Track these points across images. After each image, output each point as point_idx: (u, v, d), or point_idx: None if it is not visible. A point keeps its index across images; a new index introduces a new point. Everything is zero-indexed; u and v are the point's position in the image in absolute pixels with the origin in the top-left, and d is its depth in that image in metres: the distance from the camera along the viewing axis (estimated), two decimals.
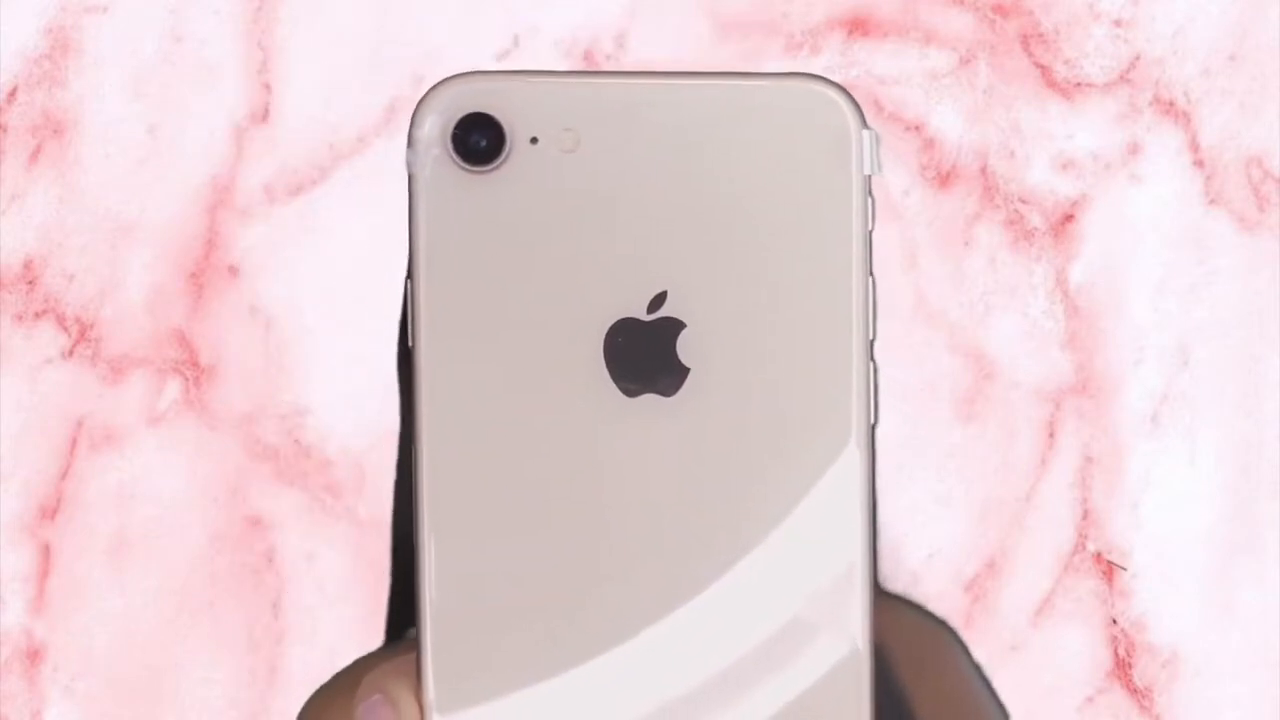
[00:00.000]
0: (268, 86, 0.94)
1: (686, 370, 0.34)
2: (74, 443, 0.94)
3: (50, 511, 0.95)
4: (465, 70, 0.34)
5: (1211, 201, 0.97)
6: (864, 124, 0.34)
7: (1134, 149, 0.96)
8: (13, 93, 0.94)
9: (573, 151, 0.34)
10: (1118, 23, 0.96)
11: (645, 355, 0.34)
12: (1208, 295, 0.97)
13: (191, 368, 0.95)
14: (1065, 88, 0.96)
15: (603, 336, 0.34)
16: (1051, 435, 0.97)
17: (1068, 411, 0.97)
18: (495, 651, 0.34)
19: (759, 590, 0.34)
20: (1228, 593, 0.97)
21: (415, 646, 0.35)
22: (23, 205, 0.94)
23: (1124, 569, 0.97)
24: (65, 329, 0.94)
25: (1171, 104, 0.96)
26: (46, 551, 0.95)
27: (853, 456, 0.34)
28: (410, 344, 0.35)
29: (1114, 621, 0.97)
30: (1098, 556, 0.97)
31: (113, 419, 0.94)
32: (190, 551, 0.95)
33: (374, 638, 0.92)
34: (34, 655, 0.95)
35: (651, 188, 0.34)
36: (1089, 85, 0.96)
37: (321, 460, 0.95)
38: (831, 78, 0.34)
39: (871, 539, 0.34)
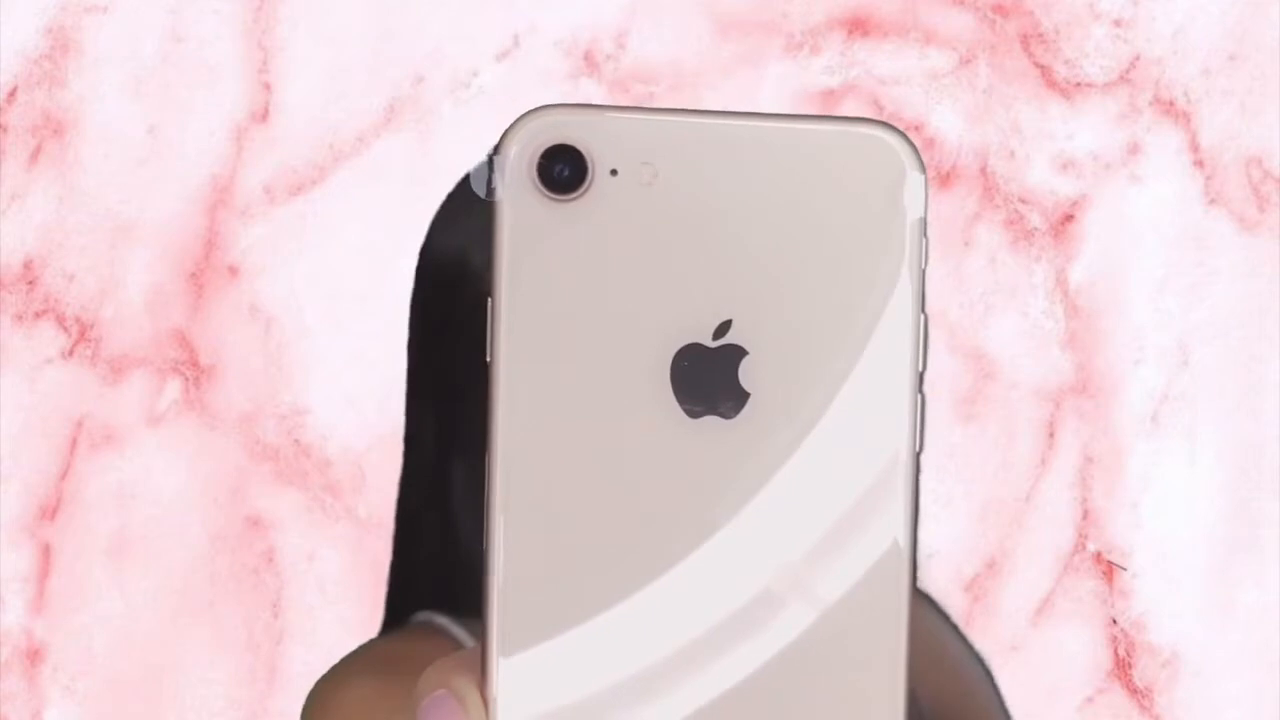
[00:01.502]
0: (268, 86, 0.94)
1: (747, 395, 0.35)
2: (74, 443, 0.94)
3: (50, 511, 0.95)
4: (551, 103, 0.35)
5: (1211, 201, 0.97)
6: (922, 168, 0.35)
7: (1134, 149, 0.96)
8: (13, 93, 0.94)
9: (650, 185, 0.35)
10: (1118, 23, 0.96)
11: (709, 379, 0.35)
12: (1208, 295, 0.97)
13: (191, 368, 0.95)
14: (1065, 88, 0.96)
15: (670, 360, 0.36)
16: (1051, 435, 0.97)
17: (1068, 411, 0.97)
18: (558, 654, 0.36)
19: (808, 607, 0.35)
20: (1228, 593, 0.97)
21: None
22: (23, 205, 0.94)
23: (1124, 569, 0.97)
24: (65, 329, 0.94)
25: (1171, 104, 0.96)
26: (46, 551, 0.95)
27: (899, 485, 0.36)
28: (489, 360, 0.36)
29: (1114, 621, 0.97)
30: (1098, 556, 0.97)
31: (113, 419, 0.94)
32: (190, 551, 0.95)
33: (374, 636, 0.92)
34: (34, 655, 0.95)
35: (721, 221, 0.36)
36: (1089, 85, 0.96)
37: (321, 460, 0.95)
38: (889, 124, 0.36)
39: (914, 556, 0.35)
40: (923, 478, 0.94)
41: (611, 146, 0.35)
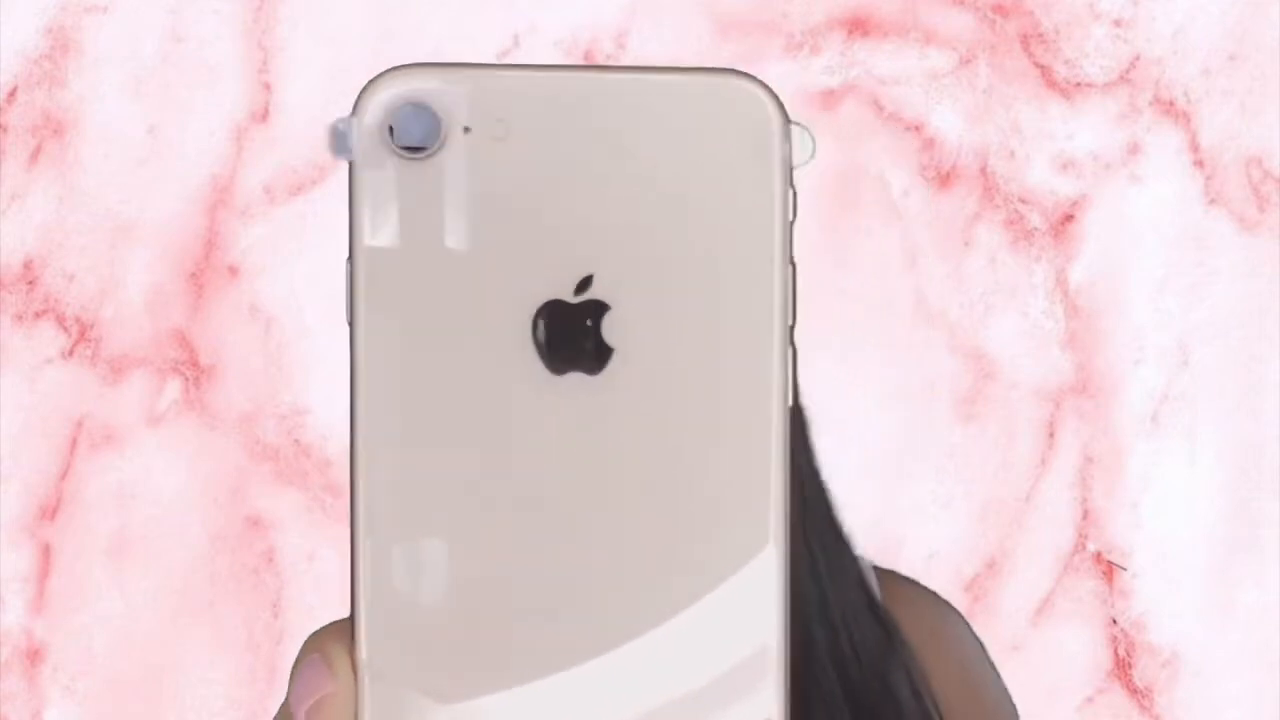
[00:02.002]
0: (268, 86, 0.94)
1: (610, 350, 0.35)
2: (74, 443, 0.94)
3: (50, 511, 0.95)
4: (404, 63, 0.35)
5: (1211, 201, 0.97)
6: (786, 118, 0.35)
7: (1134, 149, 0.96)
8: (13, 93, 0.94)
9: (503, 140, 0.35)
10: (1118, 23, 0.96)
11: (571, 335, 0.35)
12: (1208, 295, 0.97)
13: (191, 368, 0.95)
14: (1065, 88, 0.96)
15: (531, 316, 0.35)
16: (1051, 435, 0.97)
17: (1068, 411, 0.97)
18: (425, 613, 0.36)
19: (679, 559, 0.35)
20: (1228, 593, 0.97)
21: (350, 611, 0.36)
22: (23, 205, 0.94)
23: (1124, 569, 0.97)
24: (65, 329, 0.94)
25: (1171, 104, 0.96)
26: (46, 551, 0.95)
27: (771, 437, 0.35)
28: (349, 323, 0.36)
29: (1114, 621, 0.97)
30: (1098, 556, 0.97)
31: (113, 419, 0.94)
32: (190, 551, 0.95)
33: None
34: (34, 655, 0.95)
35: (580, 176, 0.35)
36: (1089, 85, 0.96)
37: (321, 460, 0.95)
38: (750, 72, 0.35)
39: (787, 514, 0.35)
40: (923, 478, 0.94)
41: (463, 103, 0.35)
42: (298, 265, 0.94)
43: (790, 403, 0.35)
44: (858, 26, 0.95)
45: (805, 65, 0.95)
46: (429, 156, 0.35)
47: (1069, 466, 0.97)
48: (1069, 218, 0.97)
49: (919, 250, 0.96)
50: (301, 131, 0.94)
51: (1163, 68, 0.96)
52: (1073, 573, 0.97)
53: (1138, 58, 0.96)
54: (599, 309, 0.35)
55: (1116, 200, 0.96)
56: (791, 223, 0.35)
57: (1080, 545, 0.97)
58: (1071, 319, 0.97)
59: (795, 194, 0.35)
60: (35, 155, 0.94)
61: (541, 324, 0.35)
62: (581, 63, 0.94)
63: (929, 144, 0.96)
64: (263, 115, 0.94)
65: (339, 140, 0.36)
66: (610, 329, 0.35)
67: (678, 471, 0.35)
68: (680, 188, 0.35)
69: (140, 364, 0.95)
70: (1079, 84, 0.96)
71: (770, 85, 0.35)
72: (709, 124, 0.35)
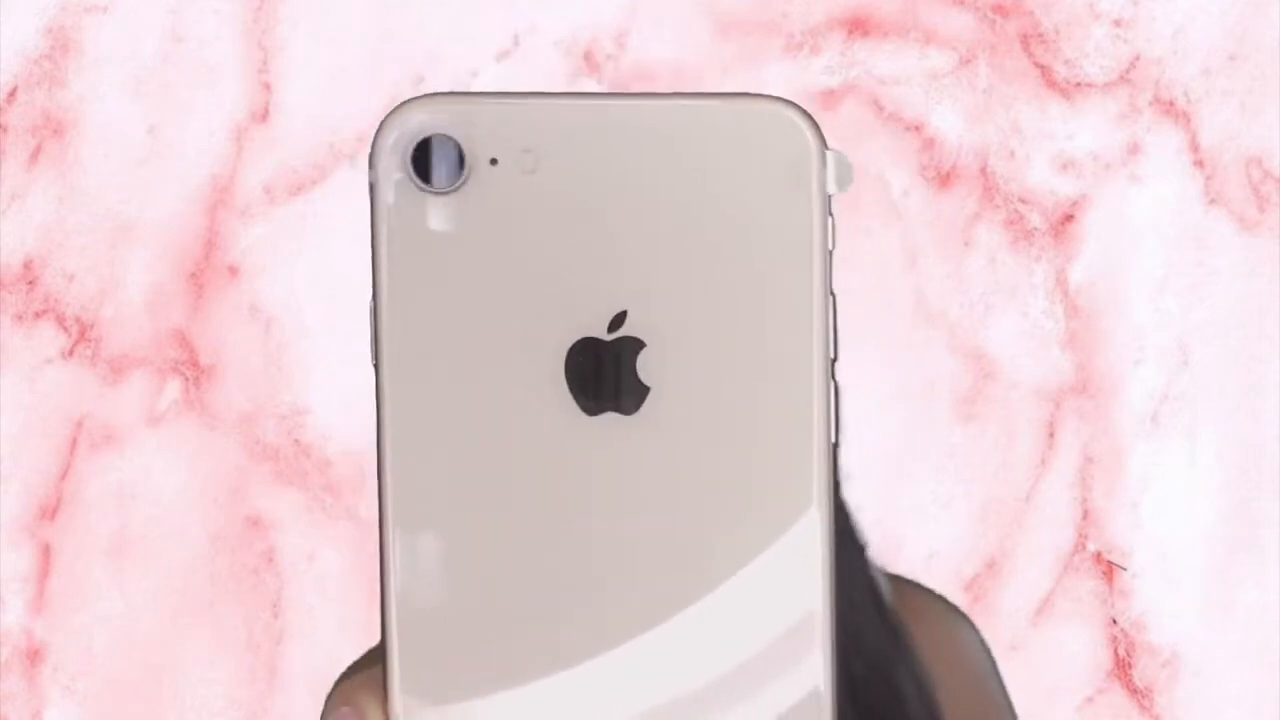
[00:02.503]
0: (268, 86, 0.94)
1: (646, 389, 0.34)
2: (74, 443, 0.94)
3: (50, 511, 0.95)
4: (427, 92, 0.34)
5: (1211, 201, 0.97)
6: (824, 144, 0.34)
7: (1134, 149, 0.96)
8: (13, 93, 0.94)
9: (533, 173, 0.34)
10: (1118, 23, 0.96)
11: (606, 374, 0.34)
12: (1208, 295, 0.97)
13: (191, 368, 0.95)
14: (1065, 88, 0.96)
15: (564, 355, 0.34)
16: (1051, 435, 0.97)
17: (1068, 411, 0.97)
18: (458, 664, 0.35)
19: (721, 604, 0.34)
20: (1228, 593, 0.97)
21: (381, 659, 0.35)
22: (23, 205, 0.94)
23: (1124, 569, 0.97)
24: (65, 329, 0.94)
25: (1171, 104, 0.96)
26: (46, 551, 0.95)
27: (813, 476, 0.34)
28: (374, 363, 0.35)
29: (1114, 621, 0.97)
30: (1098, 556, 0.97)
31: (113, 419, 0.94)
32: (190, 551, 0.95)
33: (374, 638, 0.92)
34: (34, 655, 0.95)
35: (612, 208, 0.34)
36: (1089, 85, 0.96)
37: (321, 460, 0.95)
38: (787, 97, 0.34)
39: (830, 549, 0.34)
40: (923, 478, 0.94)
41: (489, 135, 0.34)
42: (298, 265, 0.94)
43: (834, 440, 0.34)
44: (858, 26, 0.95)
45: (805, 65, 0.95)
46: (454, 191, 0.34)
47: (1069, 466, 0.97)
48: (1069, 218, 0.97)
49: (919, 250, 0.96)
50: (301, 131, 0.94)
51: (1163, 68, 0.96)
52: (1073, 573, 0.97)
53: (1138, 58, 0.96)
54: (634, 346, 0.34)
55: (1116, 200, 0.96)
56: (831, 252, 0.34)
57: (1080, 545, 0.97)
58: (1071, 319, 0.97)
59: (834, 222, 0.34)
60: (35, 155, 0.94)
61: (575, 363, 0.34)
62: (583, 65, 0.94)
63: (929, 144, 0.96)
64: (263, 115, 0.94)
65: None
66: (645, 367, 0.34)
67: (717, 516, 0.34)
68: (715, 218, 0.34)
69: (140, 364, 0.95)
70: (1079, 84, 0.96)
71: (807, 110, 0.35)
72: (744, 152, 0.34)
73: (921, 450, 0.97)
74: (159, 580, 0.95)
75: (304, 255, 0.94)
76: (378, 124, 0.34)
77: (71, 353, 0.94)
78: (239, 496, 0.95)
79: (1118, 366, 0.97)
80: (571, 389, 0.34)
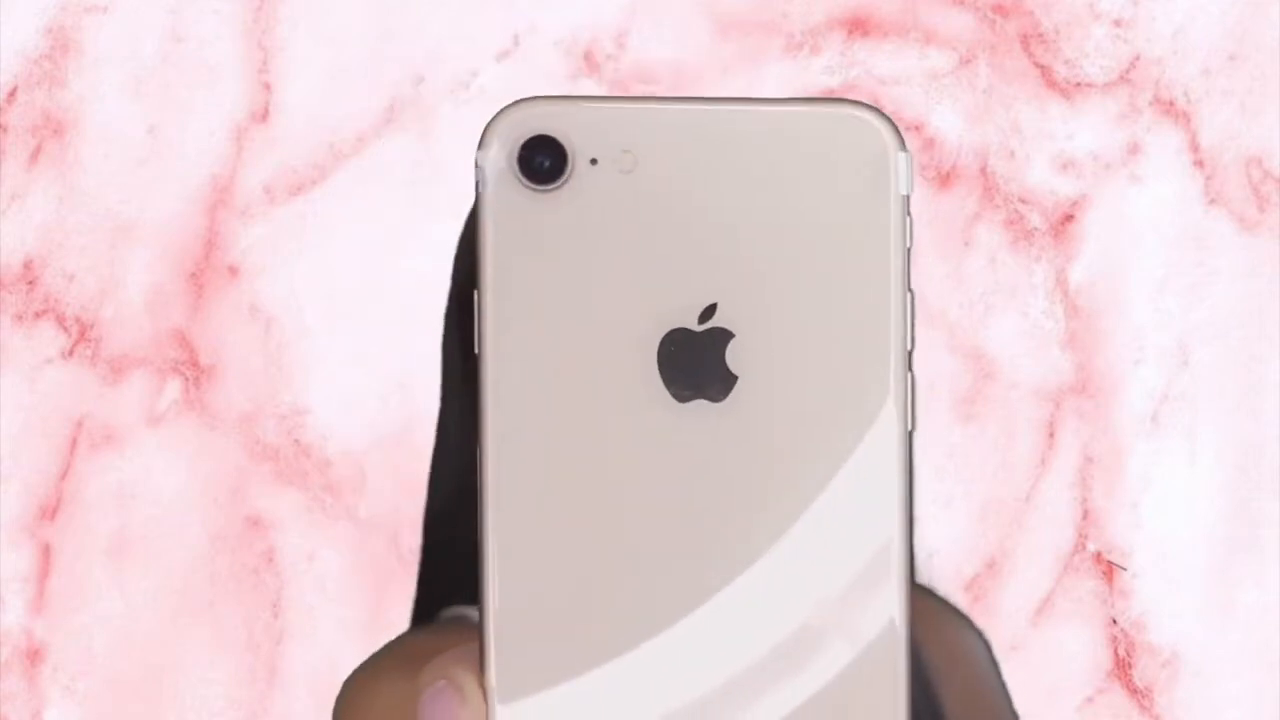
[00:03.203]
0: (268, 86, 0.94)
1: (735, 377, 0.36)
2: (74, 443, 0.94)
3: (50, 511, 0.95)
4: (531, 95, 0.36)
5: (1211, 201, 0.97)
6: (902, 147, 0.36)
7: (1134, 149, 0.96)
8: (13, 93, 0.94)
9: (630, 172, 0.36)
10: (1118, 23, 0.96)
11: (696, 363, 0.36)
12: (1208, 295, 0.97)
13: (191, 368, 0.95)
14: (1065, 88, 0.96)
15: (657, 345, 0.36)
16: (1051, 435, 0.97)
17: (1068, 411, 0.97)
18: (554, 641, 0.36)
19: (798, 585, 0.36)
20: (1228, 593, 0.97)
21: (473, 634, 0.37)
22: (23, 205, 0.94)
23: (1124, 569, 0.97)
24: (65, 329, 0.94)
25: (1171, 104, 0.96)
26: (46, 551, 0.95)
27: (891, 462, 0.36)
28: (477, 352, 0.37)
29: (1114, 621, 0.97)
30: (1098, 556, 0.97)
31: (113, 419, 0.94)
32: (190, 551, 0.95)
33: (374, 637, 0.91)
34: (34, 655, 0.95)
35: (703, 206, 0.36)
36: (1089, 85, 0.96)
37: (321, 460, 0.95)
38: (867, 101, 0.36)
39: (908, 538, 0.36)
40: (922, 478, 0.94)
41: (591, 135, 0.36)
42: (298, 265, 0.94)
43: (910, 428, 0.36)
44: (858, 26, 0.95)
45: (805, 65, 0.95)
46: (557, 188, 0.36)
47: (1069, 466, 0.97)
48: (1069, 218, 0.97)
49: (918, 250, 0.96)
50: (301, 131, 0.94)
51: (1163, 68, 0.96)
52: (1073, 573, 0.97)
53: (1138, 58, 0.96)
54: (724, 337, 0.36)
55: (1116, 200, 0.97)
56: (909, 249, 0.36)
57: (1080, 545, 0.97)
58: (1071, 319, 0.97)
59: (912, 221, 0.36)
60: (35, 155, 0.94)
61: (667, 352, 0.36)
62: (583, 65, 0.94)
63: (929, 144, 0.96)
64: (263, 115, 0.94)
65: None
66: (734, 356, 0.36)
67: (800, 496, 0.36)
68: (800, 217, 0.36)
69: (140, 364, 0.95)
70: (1079, 84, 0.96)
71: (887, 113, 0.37)
72: (829, 155, 0.36)
73: (921, 450, 0.97)
74: (159, 580, 0.95)
75: (304, 255, 0.94)
76: (485, 123, 0.37)
77: (71, 353, 0.94)
78: (239, 496, 0.95)
79: (1118, 366, 0.97)
80: (664, 377, 0.36)
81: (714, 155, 0.36)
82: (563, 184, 0.36)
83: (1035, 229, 0.96)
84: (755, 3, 0.95)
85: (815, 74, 0.95)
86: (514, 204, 0.36)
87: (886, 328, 0.36)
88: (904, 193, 0.36)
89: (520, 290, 0.36)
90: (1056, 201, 0.96)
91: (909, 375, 0.36)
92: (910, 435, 0.36)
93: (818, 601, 0.35)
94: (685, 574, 0.36)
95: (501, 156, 0.36)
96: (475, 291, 0.36)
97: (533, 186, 0.36)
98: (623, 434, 0.36)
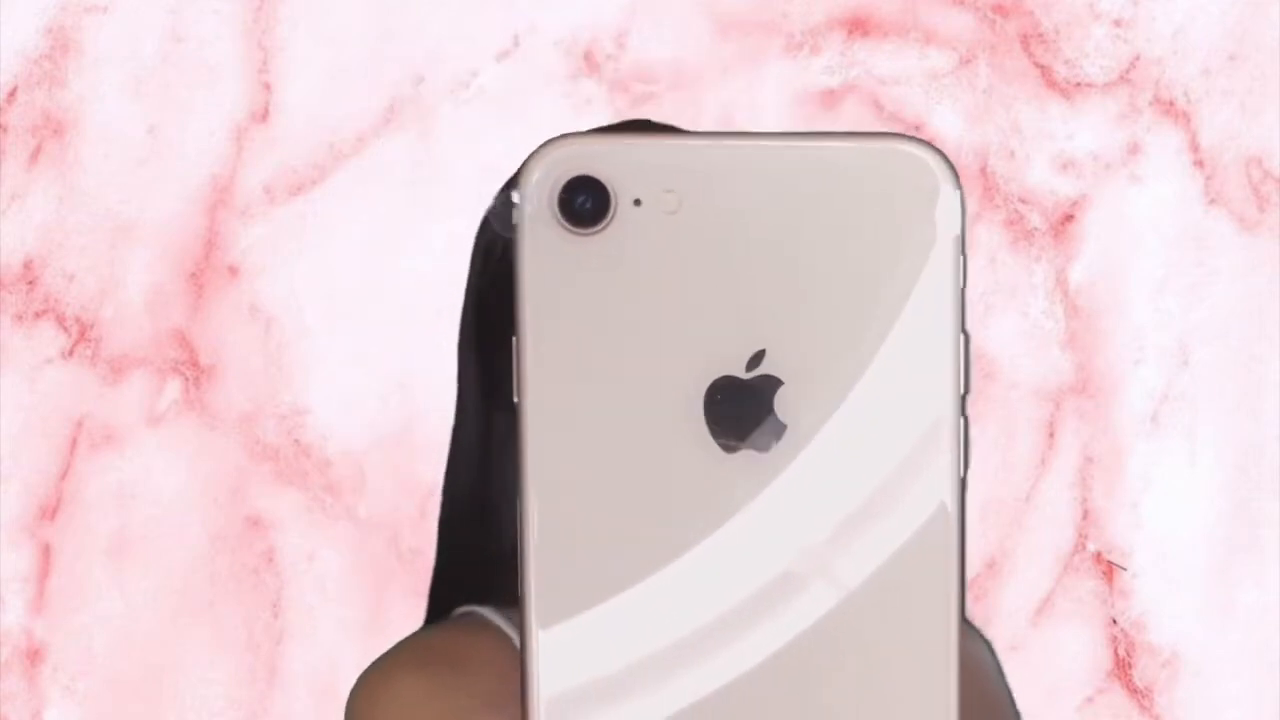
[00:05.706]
0: (268, 86, 0.94)
1: (784, 426, 0.34)
2: (74, 443, 0.94)
3: (50, 511, 0.95)
4: (568, 132, 0.34)
5: (1211, 201, 0.97)
6: (957, 184, 0.34)
7: (1134, 149, 0.96)
8: (13, 93, 0.94)
9: (675, 213, 0.34)
10: (1118, 23, 0.96)
11: (744, 412, 0.34)
12: (1208, 295, 0.97)
13: (191, 368, 0.95)
14: (1065, 88, 0.96)
15: (703, 393, 0.34)
16: (1051, 435, 0.97)
17: (1068, 411, 0.97)
18: (603, 700, 0.35)
19: (852, 641, 0.35)
20: (1228, 593, 0.97)
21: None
22: (23, 205, 0.94)
23: (1124, 569, 0.97)
24: (65, 329, 0.94)
25: (1171, 104, 0.96)
26: (46, 551, 0.95)
27: (945, 510, 0.35)
28: (515, 399, 0.35)
29: (1114, 621, 0.97)
30: (1098, 556, 0.97)
31: (113, 419, 0.94)
32: (190, 551, 0.95)
33: (374, 637, 0.91)
34: (34, 655, 0.95)
35: (751, 247, 0.34)
36: (1089, 85, 0.96)
37: (321, 460, 0.95)
38: (923, 140, 0.34)
39: (963, 580, 0.34)
40: None
41: (634, 176, 0.34)
42: (298, 265, 0.94)
43: (962, 473, 0.34)
44: (858, 26, 0.95)
45: (805, 65, 0.95)
46: (599, 231, 0.34)
47: (1069, 466, 0.97)
48: (1069, 218, 0.97)
49: None
50: (301, 131, 0.94)
51: (1163, 68, 0.96)
52: (1073, 573, 0.97)
53: (1138, 58, 0.96)
54: (772, 384, 0.34)
55: (1116, 200, 0.96)
56: (963, 290, 0.34)
57: (1080, 545, 0.97)
58: (1071, 319, 0.97)
59: (966, 260, 0.34)
60: (35, 155, 0.94)
61: (714, 401, 0.34)
62: (583, 65, 0.94)
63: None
64: (263, 115, 0.94)
65: (502, 214, 0.35)
66: (783, 404, 0.34)
67: (850, 548, 0.34)
68: (851, 258, 0.34)
69: (140, 364, 0.95)
70: (1079, 84, 0.96)
71: (940, 148, 0.34)
72: (879, 191, 0.34)
73: None
74: (159, 580, 0.95)
75: (304, 255, 0.94)
76: (521, 163, 0.34)
77: (71, 353, 0.94)
78: (239, 496, 0.95)
79: (1118, 366, 0.97)
80: (710, 427, 0.34)
81: (761, 194, 0.34)
82: (604, 226, 0.34)
83: (1035, 229, 0.96)
84: (755, 3, 0.95)
85: (815, 74, 0.95)
86: (553, 246, 0.34)
87: (940, 374, 0.34)
88: (956, 232, 0.34)
89: (560, 338, 0.34)
90: (1056, 201, 0.96)
91: (962, 420, 0.34)
92: (964, 481, 0.35)
93: (874, 663, 0.34)
94: (728, 634, 0.34)
95: (540, 198, 0.34)
96: (514, 338, 0.35)
97: (573, 229, 0.34)
98: (669, 486, 0.34)
